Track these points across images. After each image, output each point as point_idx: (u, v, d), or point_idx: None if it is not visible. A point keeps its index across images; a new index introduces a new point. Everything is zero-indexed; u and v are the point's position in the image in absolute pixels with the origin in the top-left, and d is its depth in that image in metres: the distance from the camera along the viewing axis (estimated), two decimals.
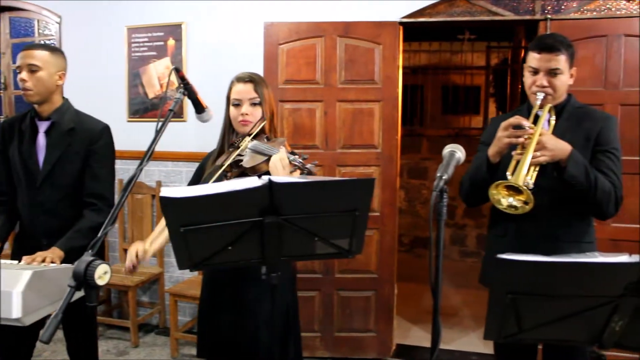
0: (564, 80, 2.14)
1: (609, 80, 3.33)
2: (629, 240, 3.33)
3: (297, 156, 1.84)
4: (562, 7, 3.43)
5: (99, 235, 1.50)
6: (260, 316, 2.01)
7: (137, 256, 2.05)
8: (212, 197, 1.41)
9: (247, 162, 1.93)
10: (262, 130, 2.08)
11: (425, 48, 7.25)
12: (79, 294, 1.45)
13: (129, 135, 4.09)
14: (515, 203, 1.96)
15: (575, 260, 1.22)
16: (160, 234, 2.14)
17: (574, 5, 3.41)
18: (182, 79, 1.86)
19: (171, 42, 4.12)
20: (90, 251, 1.46)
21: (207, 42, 4.05)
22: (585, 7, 3.40)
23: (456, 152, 1.60)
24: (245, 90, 2.10)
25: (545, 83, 2.10)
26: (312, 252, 1.64)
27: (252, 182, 1.40)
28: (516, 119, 2.02)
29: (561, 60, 2.10)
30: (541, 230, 2.15)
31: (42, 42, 4.48)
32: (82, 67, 4.23)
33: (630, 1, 3.34)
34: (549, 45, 2.08)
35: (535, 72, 2.13)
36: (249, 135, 2.03)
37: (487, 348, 3.88)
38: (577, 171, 1.98)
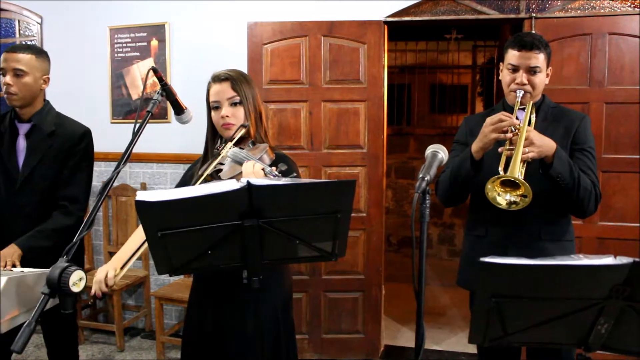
0: (542, 79, 2.15)
1: (593, 78, 3.33)
2: (615, 238, 3.33)
3: (273, 168, 1.69)
4: (547, 5, 3.43)
5: (74, 240, 1.46)
6: (248, 335, 1.89)
7: (106, 283, 1.81)
8: (189, 200, 1.37)
9: (225, 173, 1.79)
10: (246, 134, 1.93)
11: (412, 47, 7.25)
12: (55, 300, 1.42)
13: (113, 137, 4.05)
14: (514, 199, 1.94)
15: (560, 263, 1.20)
16: (130, 254, 1.82)
17: (559, 3, 3.41)
18: (161, 79, 1.82)
19: (154, 42, 4.07)
20: (65, 257, 1.42)
21: (191, 43, 4.01)
22: (569, 6, 3.40)
23: (439, 152, 1.57)
24: (222, 90, 1.92)
25: (525, 81, 2.10)
26: (294, 255, 1.60)
27: (230, 185, 1.37)
28: (502, 116, 2.00)
29: (540, 59, 2.10)
30: (523, 230, 2.14)
31: (24, 42, 4.41)
32: (64, 68, 4.18)
33: (614, 0, 3.34)
34: (529, 43, 2.08)
35: (515, 69, 2.12)
36: (231, 140, 1.87)
37: (476, 349, 3.87)
38: (562, 168, 1.97)
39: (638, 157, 3.29)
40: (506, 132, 1.98)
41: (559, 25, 3.36)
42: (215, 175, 1.85)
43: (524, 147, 1.93)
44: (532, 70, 2.10)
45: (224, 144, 1.89)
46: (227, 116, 1.91)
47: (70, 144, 2.43)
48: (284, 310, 1.98)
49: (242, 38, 3.71)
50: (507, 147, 1.99)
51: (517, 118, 2.04)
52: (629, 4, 3.32)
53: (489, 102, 7.45)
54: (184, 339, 2.06)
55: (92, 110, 4.17)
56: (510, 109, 2.18)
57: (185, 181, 2.09)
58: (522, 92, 2.10)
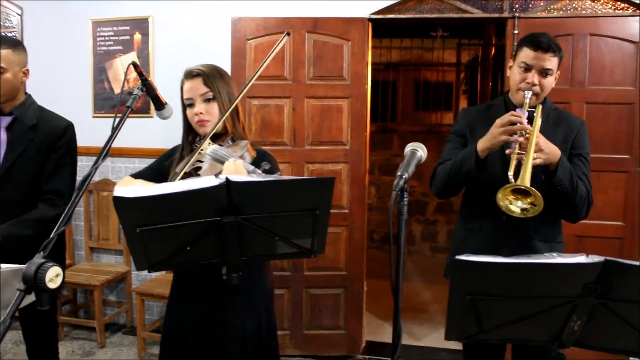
0: (551, 82, 2.13)
1: (574, 78, 3.37)
2: (595, 236, 3.38)
3: (255, 168, 1.67)
4: (530, 5, 3.46)
5: (51, 236, 1.44)
6: (229, 334, 1.89)
7: None
8: (168, 196, 1.37)
9: (204, 171, 1.75)
10: (224, 130, 1.91)
11: (397, 45, 7.27)
12: (31, 297, 1.40)
13: (95, 132, 4.01)
14: (525, 206, 1.92)
15: (534, 261, 1.22)
16: None
17: (542, 4, 3.44)
18: (141, 74, 1.80)
19: (137, 36, 4.04)
20: (41, 253, 1.41)
21: (174, 37, 3.98)
22: (552, 6, 3.43)
23: (418, 150, 1.58)
24: (194, 87, 1.88)
25: (536, 82, 2.08)
26: (273, 251, 1.61)
27: (208, 181, 1.36)
28: (514, 117, 1.97)
29: (554, 62, 2.08)
30: (517, 228, 2.14)
31: (3, 34, 4.35)
32: (45, 61, 4.14)
33: (595, 1, 3.38)
34: (545, 45, 2.05)
35: (527, 69, 2.09)
36: (206, 136, 1.82)
37: (458, 344, 3.89)
38: (564, 176, 1.98)
39: (618, 156, 3.34)
40: (516, 134, 1.97)
41: (542, 25, 3.38)
42: (194, 173, 1.81)
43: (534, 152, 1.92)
44: (544, 72, 2.08)
45: (201, 141, 1.84)
46: (201, 113, 1.87)
47: (52, 138, 2.40)
48: (265, 306, 1.98)
49: (225, 33, 3.69)
50: (517, 150, 1.97)
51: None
52: (610, 5, 3.36)
53: (473, 100, 7.49)
54: (164, 336, 2.05)
55: (73, 104, 4.12)
56: (512, 107, 2.18)
57: (162, 171, 2.01)
58: (531, 92, 2.07)
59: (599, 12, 3.37)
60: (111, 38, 4.10)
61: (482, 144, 2.04)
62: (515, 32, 3.40)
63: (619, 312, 1.30)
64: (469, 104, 7.68)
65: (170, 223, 1.43)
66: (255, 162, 1.75)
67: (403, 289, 1.48)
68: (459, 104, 7.74)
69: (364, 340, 3.90)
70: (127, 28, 4.05)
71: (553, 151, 1.97)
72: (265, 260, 2.02)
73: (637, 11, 3.30)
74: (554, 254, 1.21)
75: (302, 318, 3.76)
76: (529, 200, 1.90)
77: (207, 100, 1.88)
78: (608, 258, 1.19)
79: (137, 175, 2.00)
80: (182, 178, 1.75)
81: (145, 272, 4.09)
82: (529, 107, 2.08)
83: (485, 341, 1.44)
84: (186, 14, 3.94)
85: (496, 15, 3.51)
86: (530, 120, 2.05)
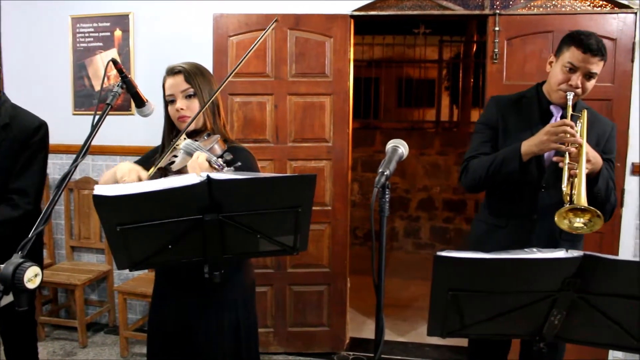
0: (593, 85, 2.10)
1: None
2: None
3: (221, 158, 1.65)
4: (511, 2, 3.48)
5: (30, 235, 1.43)
6: (209, 331, 1.89)
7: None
8: (148, 195, 1.36)
9: (176, 165, 1.76)
10: (203, 127, 1.93)
11: (379, 41, 7.28)
12: (9, 298, 1.38)
13: (75, 129, 3.96)
14: (584, 220, 1.89)
15: (514, 257, 1.23)
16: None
17: (522, 1, 3.46)
18: (121, 72, 1.78)
19: (118, 32, 4.00)
20: (19, 252, 1.39)
21: (155, 34, 3.94)
22: (532, 3, 3.46)
23: (399, 147, 1.59)
24: (175, 84, 1.90)
25: (579, 84, 2.04)
26: (255, 249, 1.60)
27: (189, 179, 1.36)
28: (567, 127, 1.94)
29: (600, 66, 2.05)
30: (545, 227, 2.13)
31: None
32: (23, 57, 4.09)
33: None
34: (595, 49, 2.00)
35: (572, 70, 2.05)
36: (183, 132, 1.82)
37: (441, 340, 3.92)
38: (603, 185, 1.99)
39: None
40: (565, 142, 1.94)
41: (522, 22, 3.41)
42: (168, 167, 1.82)
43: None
44: (589, 75, 2.05)
45: (179, 136, 1.85)
46: (182, 109, 1.89)
47: (24, 137, 2.36)
48: (245, 305, 1.97)
49: (207, 30, 3.67)
50: (567, 160, 1.94)
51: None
52: (589, 3, 3.40)
53: (455, 97, 7.54)
54: (149, 336, 2.05)
55: (53, 101, 4.07)
56: (546, 102, 2.17)
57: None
58: (573, 94, 2.03)
59: (578, 9, 3.41)
60: (91, 34, 4.05)
61: (528, 148, 2.02)
62: (496, 29, 3.42)
63: (598, 306, 1.32)
64: (451, 101, 7.74)
65: (152, 221, 1.42)
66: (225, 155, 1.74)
67: (386, 285, 1.49)
68: (441, 100, 7.78)
69: (348, 337, 3.91)
70: (108, 24, 4.01)
71: (598, 161, 1.97)
72: (247, 257, 2.01)
73: (615, 9, 3.34)
74: (534, 249, 1.22)
75: (285, 315, 3.76)
76: (587, 216, 1.87)
77: (188, 97, 1.90)
78: (587, 253, 1.21)
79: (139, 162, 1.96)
80: (158, 172, 1.77)
81: (127, 271, 4.08)
82: (573, 112, 2.04)
83: (467, 336, 1.45)
84: (167, 11, 3.91)
85: (477, 12, 3.53)
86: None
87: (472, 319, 1.38)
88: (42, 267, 2.28)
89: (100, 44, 4.04)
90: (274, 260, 3.69)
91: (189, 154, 1.73)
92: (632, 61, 3.32)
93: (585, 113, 2.07)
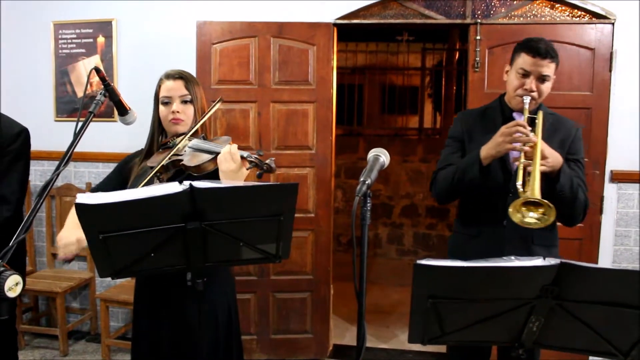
0: (549, 88, 2.15)
1: None
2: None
3: (250, 152, 1.73)
4: (492, 12, 3.53)
5: (11, 244, 1.42)
6: (191, 339, 1.91)
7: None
8: (131, 203, 1.37)
9: (189, 161, 1.82)
10: (196, 130, 1.98)
11: (362, 49, 7.32)
12: None
13: (57, 136, 3.94)
14: (537, 216, 1.93)
15: (493, 265, 1.25)
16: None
17: (502, 10, 3.52)
18: (103, 80, 1.79)
19: (101, 39, 3.99)
20: (0, 261, 1.38)
21: (138, 40, 3.94)
22: (512, 13, 3.52)
23: (380, 156, 1.60)
24: (175, 87, 1.99)
25: (534, 88, 2.10)
26: (238, 257, 1.61)
27: (172, 187, 1.36)
28: (519, 127, 1.99)
29: (552, 68, 2.11)
30: (517, 233, 2.15)
31: None
32: (4, 62, 4.05)
33: (554, 9, 3.47)
34: (544, 51, 2.07)
35: (525, 75, 2.11)
36: (185, 134, 1.92)
37: (423, 346, 3.94)
38: (566, 182, 2.02)
39: None
40: (519, 142, 1.99)
41: (503, 31, 3.46)
42: (171, 166, 1.88)
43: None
44: (542, 78, 2.10)
45: (174, 138, 1.96)
46: (178, 112, 1.98)
47: (4, 143, 2.34)
48: (224, 314, 1.99)
49: (191, 37, 3.67)
50: (522, 159, 1.99)
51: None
52: (568, 13, 3.46)
53: (438, 104, 7.60)
54: (134, 344, 2.06)
55: (35, 108, 4.05)
56: (509, 111, 2.22)
57: (120, 178, 2.08)
58: (529, 98, 2.09)
59: (558, 19, 3.47)
60: (74, 41, 4.03)
61: (486, 152, 2.06)
62: (478, 37, 3.47)
63: (575, 313, 1.34)
64: (434, 108, 7.79)
65: (134, 229, 1.42)
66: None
67: (369, 292, 1.51)
68: (424, 107, 7.83)
69: (331, 344, 3.91)
70: (91, 31, 3.99)
71: (556, 159, 2.00)
72: (229, 265, 2.03)
73: (594, 19, 3.40)
74: (512, 257, 1.25)
75: (269, 322, 3.76)
76: (541, 211, 1.92)
77: (185, 102, 2.01)
78: (563, 260, 1.23)
79: (96, 190, 2.04)
80: (158, 172, 1.84)
81: (109, 279, 4.04)
82: (531, 114, 2.10)
83: (448, 343, 1.47)
84: (151, 18, 3.91)
85: (459, 21, 3.58)
86: (530, 125, 2.07)
87: (452, 326, 1.39)
88: (25, 276, 2.26)
89: (83, 50, 4.02)
90: (257, 267, 3.69)
91: (205, 151, 1.82)
92: (610, 70, 3.38)
93: (541, 114, 2.12)
